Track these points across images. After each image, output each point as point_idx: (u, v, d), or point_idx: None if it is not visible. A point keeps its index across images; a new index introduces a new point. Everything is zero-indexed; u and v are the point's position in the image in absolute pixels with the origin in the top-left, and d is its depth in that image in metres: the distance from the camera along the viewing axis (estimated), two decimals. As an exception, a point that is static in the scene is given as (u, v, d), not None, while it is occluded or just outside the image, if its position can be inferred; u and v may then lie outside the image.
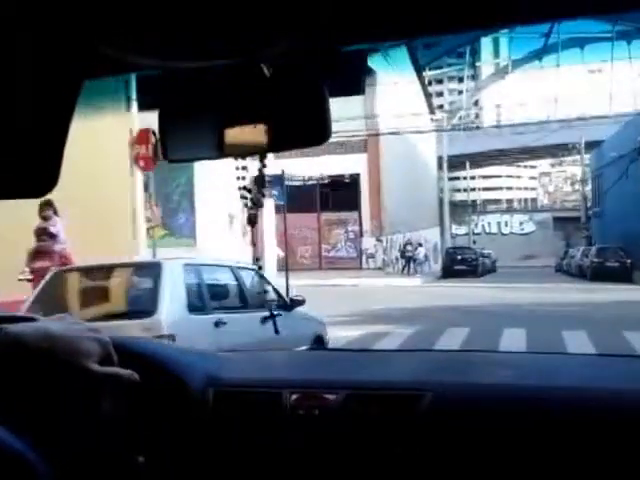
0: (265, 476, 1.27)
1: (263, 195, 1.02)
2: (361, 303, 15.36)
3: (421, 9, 0.78)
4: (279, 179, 13.26)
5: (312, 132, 0.89)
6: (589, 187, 44.63)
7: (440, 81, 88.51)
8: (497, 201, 76.88)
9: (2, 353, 0.91)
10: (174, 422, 1.25)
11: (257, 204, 1.06)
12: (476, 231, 58.58)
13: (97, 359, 0.96)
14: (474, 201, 49.15)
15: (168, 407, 1.25)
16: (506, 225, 61.38)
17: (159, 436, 1.21)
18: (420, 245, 26.28)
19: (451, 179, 49.14)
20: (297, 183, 22.16)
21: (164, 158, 0.95)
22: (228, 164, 1.05)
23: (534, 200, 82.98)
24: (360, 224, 26.06)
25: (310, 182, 22.13)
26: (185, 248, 15.11)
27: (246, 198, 1.03)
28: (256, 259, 9.09)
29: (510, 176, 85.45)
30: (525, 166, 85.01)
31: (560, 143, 49.90)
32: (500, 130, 63.44)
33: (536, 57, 69.40)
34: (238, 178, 1.05)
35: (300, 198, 23.75)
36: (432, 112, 31.88)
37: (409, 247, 25.37)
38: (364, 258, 26.05)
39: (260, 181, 1.00)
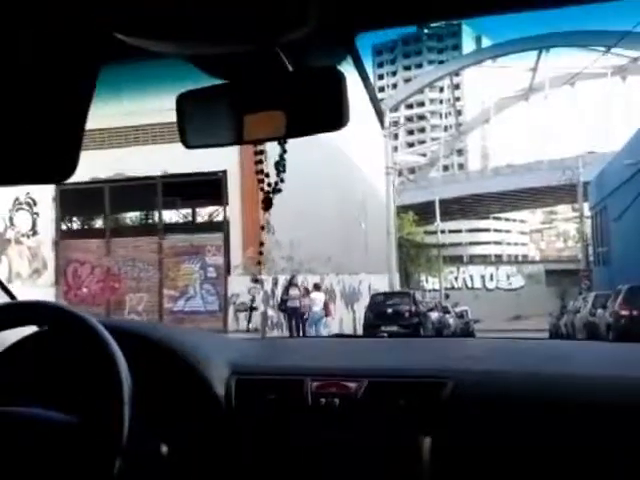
0: (287, 465, 1.26)
1: (282, 180, 0.98)
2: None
3: None
4: None
5: (330, 117, 0.89)
6: (588, 227, 35.47)
7: (422, 117, 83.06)
8: (485, 257, 69.29)
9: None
10: (198, 411, 1.26)
11: (275, 190, 1.01)
12: (457, 285, 50.40)
13: None
14: (443, 244, 39.84)
15: (192, 396, 1.27)
16: (491, 279, 52.51)
17: (183, 425, 1.23)
18: (317, 288, 14.80)
19: (421, 224, 40.52)
20: (130, 183, 13.21)
21: (183, 144, 0.93)
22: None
23: (525, 257, 75.67)
24: (226, 254, 14.79)
25: (146, 182, 13.13)
26: None
27: (263, 182, 1.01)
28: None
29: (499, 230, 78.83)
30: (514, 220, 79.64)
31: (549, 186, 43.89)
32: (482, 174, 57.96)
33: (522, 97, 64.10)
34: (256, 162, 1.00)
35: (130, 208, 14.86)
36: (383, 126, 23.10)
37: (294, 292, 13.92)
38: (231, 312, 14.92)
39: (280, 166, 0.98)
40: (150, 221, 17.75)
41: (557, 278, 48.17)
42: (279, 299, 14.09)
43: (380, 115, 23.64)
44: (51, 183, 0.95)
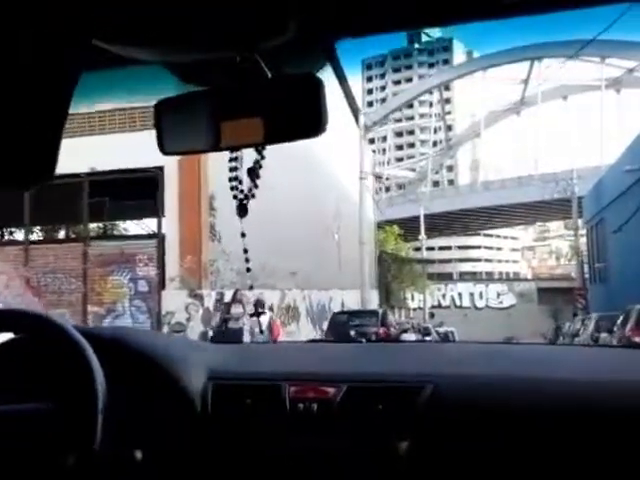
0: (266, 470, 1.27)
1: (256, 186, 1.00)
2: None
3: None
4: None
5: (308, 124, 0.89)
6: (583, 243, 33.40)
7: (411, 132, 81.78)
8: (475, 274, 67.51)
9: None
10: (174, 416, 1.27)
11: (247, 196, 1.01)
12: (444, 303, 48.28)
13: None
14: (427, 260, 37.46)
15: (168, 401, 1.27)
16: (481, 297, 50.40)
17: (158, 431, 1.23)
18: (259, 311, 11.21)
19: (409, 240, 38.38)
20: (52, 181, 10.96)
21: (160, 150, 0.94)
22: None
23: (516, 274, 74.06)
24: (160, 264, 12.27)
25: (70, 181, 10.84)
26: None
27: (236, 189, 1.01)
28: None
29: (489, 247, 77.35)
30: (506, 237, 78.30)
31: (541, 200, 42.12)
32: (472, 188, 56.40)
33: (514, 110, 62.66)
34: (231, 169, 1.00)
35: (52, 210, 12.65)
36: (358, 124, 21.05)
37: (237, 311, 11.28)
38: (166, 332, 11.37)
39: (253, 173, 1.00)
40: (74, 226, 15.37)
41: (550, 296, 46.24)
42: (221, 318, 11.67)
43: (355, 114, 21.46)
44: (26, 189, 0.93)
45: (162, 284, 12.18)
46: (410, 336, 16.81)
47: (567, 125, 60.05)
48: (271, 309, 13.59)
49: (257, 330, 11.21)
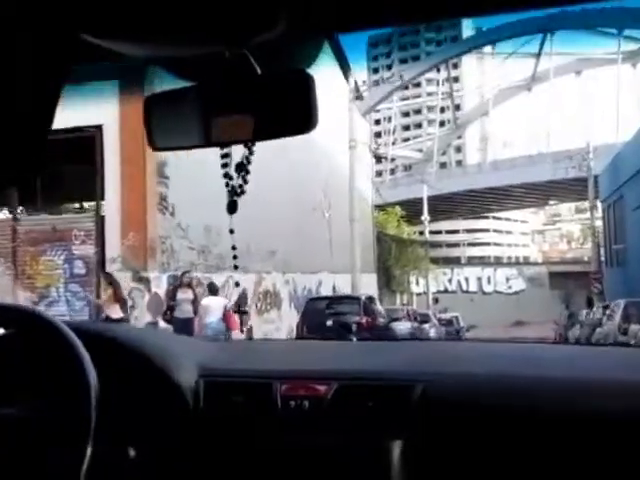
0: (257, 467, 1.27)
1: (246, 182, 0.99)
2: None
3: None
4: None
5: (298, 120, 0.89)
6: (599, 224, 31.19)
7: (418, 111, 79.52)
8: (483, 258, 65.34)
9: None
10: (166, 413, 1.28)
11: (238, 192, 1.01)
12: (450, 288, 46.32)
13: None
14: (427, 241, 35.12)
15: (160, 398, 1.27)
16: (489, 282, 48.37)
17: (150, 427, 1.24)
18: (213, 292, 9.88)
19: (414, 223, 36.27)
20: None
21: (150, 146, 0.94)
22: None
23: (526, 259, 71.98)
24: (100, 242, 10.12)
25: None
26: None
27: (228, 185, 1.00)
28: None
29: (499, 231, 75.23)
30: (516, 220, 76.21)
31: (552, 180, 39.91)
32: (480, 168, 54.24)
33: (525, 87, 60.28)
34: (223, 165, 1.00)
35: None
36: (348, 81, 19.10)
37: (184, 296, 9.32)
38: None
39: (242, 169, 0.98)
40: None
41: (562, 281, 44.26)
42: (168, 306, 9.53)
43: (347, 76, 19.32)
44: (14, 185, 0.94)
45: (102, 265, 10.12)
46: (402, 325, 14.63)
47: (580, 101, 57.55)
48: (243, 296, 11.44)
49: (208, 319, 9.14)
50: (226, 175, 0.99)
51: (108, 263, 10.11)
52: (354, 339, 11.97)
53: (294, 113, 0.88)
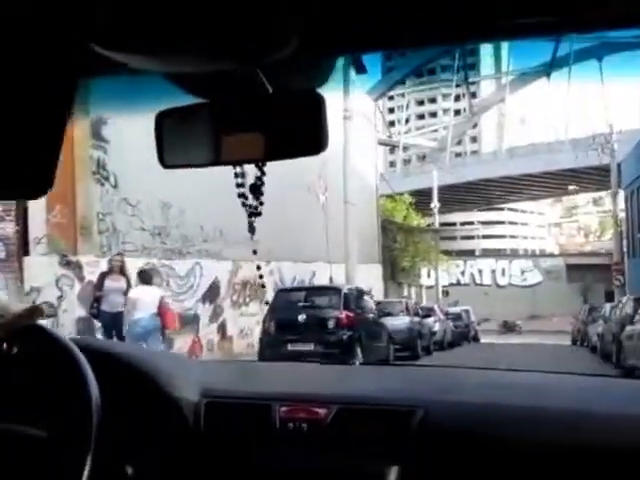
0: None
1: (261, 203, 0.99)
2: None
3: (422, 19, 0.79)
4: None
5: (308, 141, 0.89)
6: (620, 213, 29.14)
7: (433, 100, 77.54)
8: (499, 250, 63.40)
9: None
10: (166, 433, 1.28)
11: (253, 214, 1.02)
12: (463, 281, 44.50)
13: None
14: (437, 229, 33.01)
15: (161, 418, 1.28)
16: (503, 274, 46.48)
17: (150, 447, 1.24)
18: (144, 280, 7.65)
19: (427, 214, 34.41)
20: None
21: (160, 163, 0.94)
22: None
23: (542, 251, 70.05)
24: (22, 220, 8.25)
25: None
26: None
27: (245, 205, 1.01)
28: None
29: (514, 223, 73.36)
30: (532, 212, 74.35)
31: (571, 168, 37.81)
32: (495, 156, 52.31)
33: (544, 72, 58.05)
34: (237, 185, 1.00)
35: None
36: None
37: (113, 285, 7.41)
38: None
39: (256, 189, 0.99)
40: None
41: (580, 273, 42.40)
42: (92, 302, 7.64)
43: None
44: (26, 198, 0.93)
45: (24, 248, 8.32)
46: (398, 320, 12.63)
47: (600, 88, 55.25)
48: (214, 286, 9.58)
49: (138, 315, 7.25)
50: (242, 195, 0.98)
51: (32, 245, 8.32)
52: (331, 338, 10.15)
53: (304, 133, 0.87)
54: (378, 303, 13.84)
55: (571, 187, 42.21)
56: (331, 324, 9.65)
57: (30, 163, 0.87)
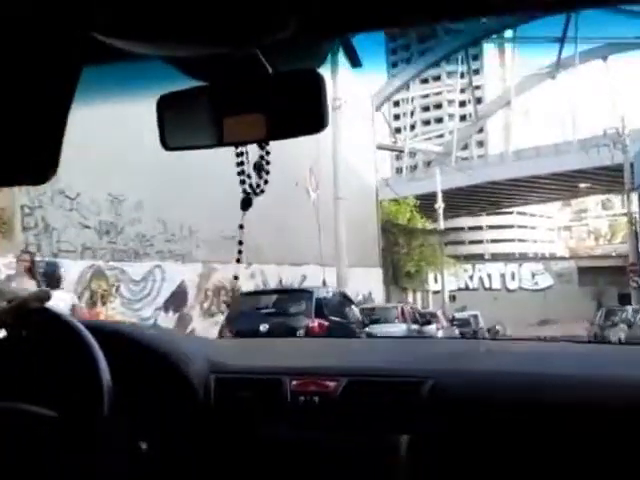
0: (267, 462, 1.29)
1: (266, 182, 1.01)
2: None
3: None
4: None
5: (309, 120, 0.90)
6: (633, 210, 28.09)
7: (439, 106, 76.75)
8: (507, 255, 62.28)
9: None
10: (177, 409, 1.30)
11: (256, 191, 1.03)
12: (472, 285, 43.30)
13: None
14: (442, 231, 31.75)
15: (172, 394, 1.30)
16: (513, 278, 45.28)
17: (162, 422, 1.26)
18: (52, 285, 5.76)
19: (433, 219, 33.39)
20: None
21: (162, 146, 0.95)
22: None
23: (552, 255, 68.90)
24: None
25: None
26: None
27: (244, 183, 1.02)
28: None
29: (523, 227, 72.28)
30: (541, 215, 73.30)
31: (580, 170, 37.73)
32: (502, 158, 51.37)
33: (549, 73, 57.09)
34: (238, 164, 1.02)
35: None
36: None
37: (22, 285, 5.81)
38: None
39: (260, 168, 1.02)
40: None
41: (592, 277, 41.21)
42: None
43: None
44: (31, 184, 0.95)
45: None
46: (388, 328, 10.89)
47: (607, 87, 54.30)
48: (114, 288, 8.59)
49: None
50: (242, 173, 1.00)
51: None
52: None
53: (305, 113, 0.89)
54: (372, 309, 12.63)
55: (582, 185, 41.13)
56: (300, 333, 8.04)
57: (34, 149, 0.89)
